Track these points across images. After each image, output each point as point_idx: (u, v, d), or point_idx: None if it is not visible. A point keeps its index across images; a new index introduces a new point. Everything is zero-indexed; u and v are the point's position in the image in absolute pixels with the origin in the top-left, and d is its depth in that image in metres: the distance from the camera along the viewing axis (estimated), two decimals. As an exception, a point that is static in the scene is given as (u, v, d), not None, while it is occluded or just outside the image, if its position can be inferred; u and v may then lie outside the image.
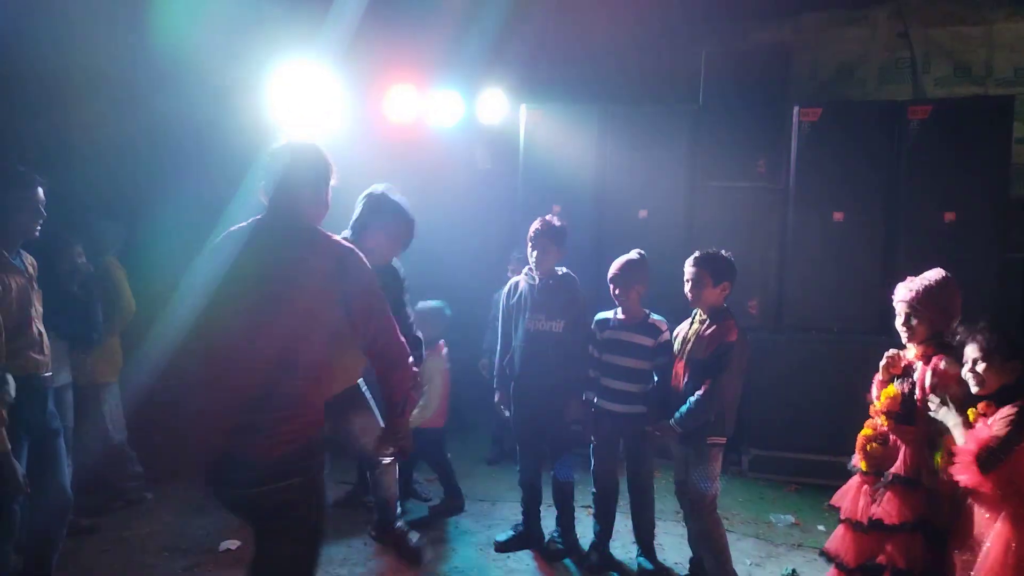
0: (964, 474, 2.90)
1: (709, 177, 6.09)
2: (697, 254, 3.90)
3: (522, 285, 4.50)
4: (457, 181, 7.08)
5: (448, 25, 6.20)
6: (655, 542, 4.36)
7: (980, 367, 2.99)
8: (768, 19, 7.41)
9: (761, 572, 4.31)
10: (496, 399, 4.65)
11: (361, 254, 2.67)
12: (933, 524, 3.11)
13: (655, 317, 4.25)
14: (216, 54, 4.98)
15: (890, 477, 3.21)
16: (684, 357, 3.93)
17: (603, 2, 6.93)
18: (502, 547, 4.54)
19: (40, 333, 3.48)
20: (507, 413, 4.59)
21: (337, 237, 2.67)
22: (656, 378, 4.16)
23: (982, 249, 5.53)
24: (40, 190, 3.45)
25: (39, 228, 3.48)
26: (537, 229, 4.32)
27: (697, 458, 3.85)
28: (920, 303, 3.22)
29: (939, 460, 3.11)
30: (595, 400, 4.29)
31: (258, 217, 2.68)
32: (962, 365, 3.08)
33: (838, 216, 5.79)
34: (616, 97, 6.99)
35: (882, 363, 3.35)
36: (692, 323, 3.99)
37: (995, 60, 7.04)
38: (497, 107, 6.53)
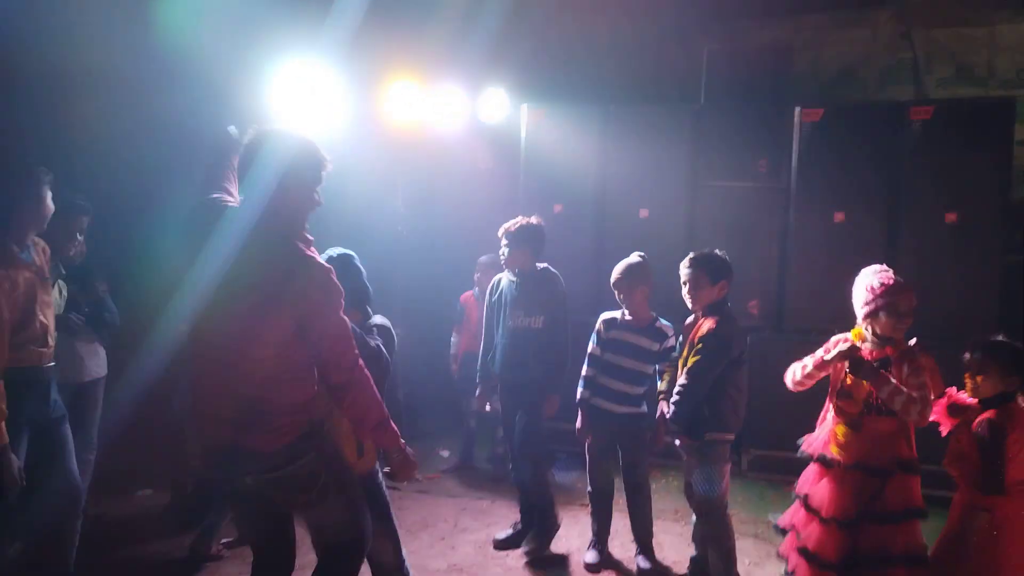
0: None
1: (710, 176, 6.09)
2: (692, 255, 3.88)
3: (503, 282, 4.53)
4: (458, 180, 7.09)
5: (450, 24, 6.21)
6: (654, 541, 4.36)
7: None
8: (770, 19, 7.41)
9: (760, 572, 4.32)
10: (476, 394, 4.68)
11: (333, 275, 2.58)
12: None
13: (663, 322, 4.26)
14: (218, 52, 4.98)
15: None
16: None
17: (605, 1, 6.94)
18: (501, 545, 4.55)
19: (43, 325, 3.50)
20: (487, 408, 4.64)
21: (314, 253, 2.60)
22: (660, 381, 4.16)
23: (983, 251, 5.53)
24: (47, 185, 3.49)
25: (48, 220, 3.53)
26: (506, 228, 4.37)
27: (699, 455, 3.85)
28: (900, 297, 3.32)
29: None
30: (589, 398, 4.29)
31: (239, 209, 2.62)
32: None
33: (839, 216, 5.78)
34: (618, 96, 7.00)
35: (839, 351, 3.38)
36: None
37: (997, 61, 7.03)
38: (498, 106, 6.54)
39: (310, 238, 2.59)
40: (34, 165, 3.52)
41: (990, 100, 6.46)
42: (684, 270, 3.87)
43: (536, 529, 4.48)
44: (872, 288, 3.37)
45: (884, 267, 3.44)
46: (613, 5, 6.92)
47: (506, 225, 4.39)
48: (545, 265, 4.45)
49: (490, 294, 4.62)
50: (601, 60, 7.46)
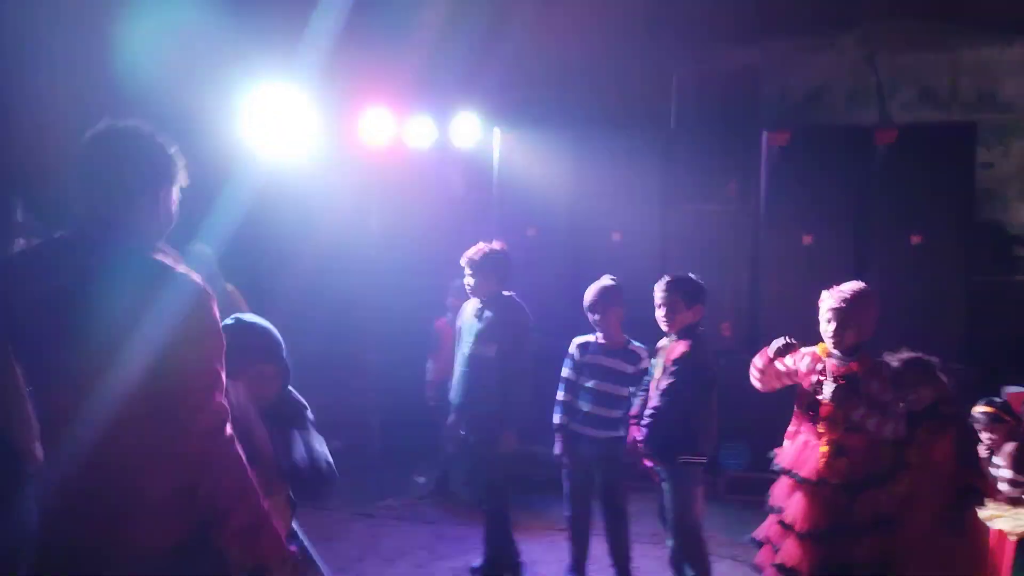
0: None
1: (681, 199, 6.17)
2: (667, 278, 3.92)
3: (468, 308, 4.50)
4: (431, 205, 7.10)
5: (423, 49, 6.24)
6: (632, 565, 4.35)
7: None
8: (738, 44, 7.53)
9: (736, 594, 4.32)
10: (450, 419, 4.61)
11: (212, 302, 1.94)
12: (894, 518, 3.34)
13: (635, 344, 4.27)
14: (190, 77, 4.97)
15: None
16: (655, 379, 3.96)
17: (576, 27, 7.02)
18: (478, 573, 4.51)
19: None
20: (462, 432, 4.53)
21: (184, 268, 1.95)
22: (634, 404, 4.18)
23: (948, 271, 5.65)
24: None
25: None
26: (470, 257, 4.31)
27: (671, 479, 3.86)
28: (853, 310, 3.37)
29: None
30: (567, 423, 4.28)
31: (64, 236, 1.98)
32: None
33: (807, 239, 5.87)
34: (589, 121, 7.06)
35: (778, 345, 3.47)
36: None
37: (959, 85, 7.21)
38: (471, 131, 6.58)
39: (177, 255, 2.01)
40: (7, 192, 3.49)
41: (953, 124, 6.63)
42: (659, 293, 3.90)
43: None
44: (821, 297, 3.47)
45: (856, 283, 3.48)
46: (584, 31, 6.99)
47: (469, 253, 4.33)
48: (511, 294, 4.41)
49: (457, 320, 4.60)
50: (573, 85, 7.53)
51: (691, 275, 3.93)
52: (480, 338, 4.32)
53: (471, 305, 4.48)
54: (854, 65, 7.43)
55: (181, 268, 1.94)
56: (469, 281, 4.35)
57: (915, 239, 5.69)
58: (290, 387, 2.59)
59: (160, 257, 1.94)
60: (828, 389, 3.35)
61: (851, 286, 3.44)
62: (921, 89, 7.27)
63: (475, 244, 4.41)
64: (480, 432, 4.32)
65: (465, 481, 5.97)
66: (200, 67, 5.00)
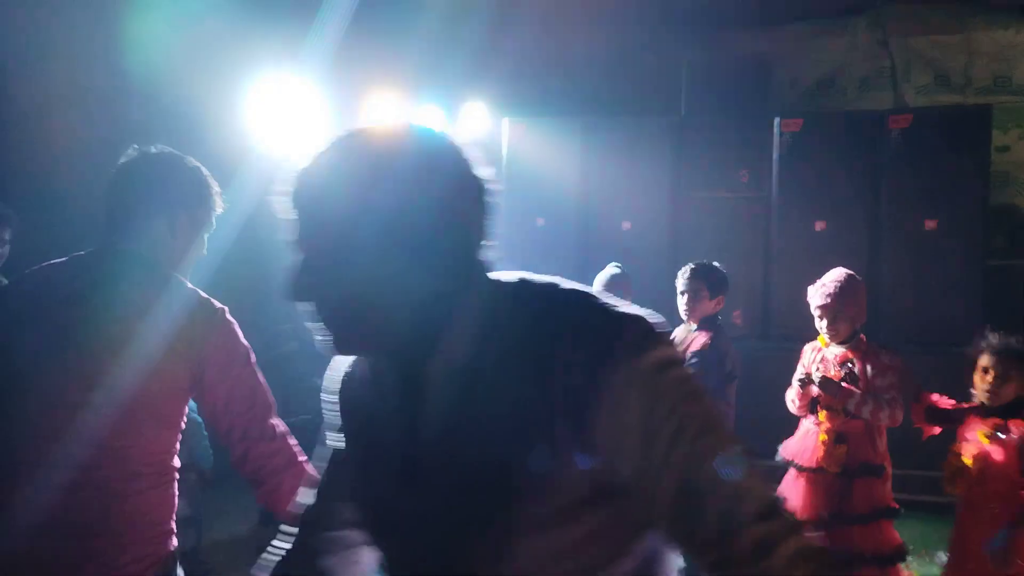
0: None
1: (692, 187, 6.11)
2: (692, 266, 3.82)
3: None
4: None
5: (431, 39, 6.20)
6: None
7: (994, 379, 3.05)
8: (748, 29, 7.45)
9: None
10: None
11: (234, 322, 1.94)
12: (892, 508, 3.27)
13: None
14: (196, 67, 4.95)
15: None
16: None
17: (586, 15, 6.96)
18: None
19: None
20: None
21: (202, 293, 1.94)
22: None
23: (963, 256, 5.56)
24: None
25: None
26: None
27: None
28: (840, 303, 3.28)
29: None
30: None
31: (81, 254, 1.93)
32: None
33: (820, 225, 5.80)
34: (599, 109, 7.01)
35: (820, 382, 3.32)
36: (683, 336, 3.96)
37: (974, 68, 7.09)
38: (479, 120, 6.53)
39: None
40: None
41: (967, 107, 6.52)
42: (683, 280, 3.81)
43: None
44: (808, 293, 3.42)
45: (841, 271, 3.42)
46: (593, 19, 6.93)
47: None
48: None
49: None
50: (582, 73, 7.47)
51: (716, 264, 3.86)
52: None
53: None
54: (867, 50, 7.33)
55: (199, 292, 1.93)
56: None
57: (930, 224, 5.61)
58: None
59: (189, 284, 1.93)
60: (819, 379, 3.31)
61: (833, 277, 3.36)
62: (935, 72, 7.16)
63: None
64: None
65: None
66: (207, 56, 4.99)
